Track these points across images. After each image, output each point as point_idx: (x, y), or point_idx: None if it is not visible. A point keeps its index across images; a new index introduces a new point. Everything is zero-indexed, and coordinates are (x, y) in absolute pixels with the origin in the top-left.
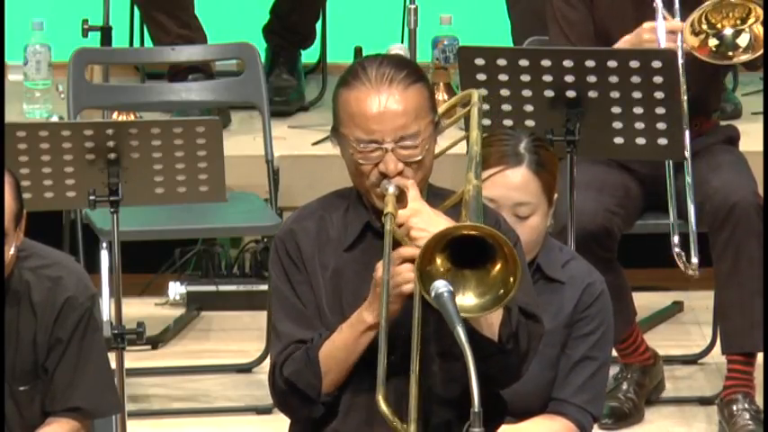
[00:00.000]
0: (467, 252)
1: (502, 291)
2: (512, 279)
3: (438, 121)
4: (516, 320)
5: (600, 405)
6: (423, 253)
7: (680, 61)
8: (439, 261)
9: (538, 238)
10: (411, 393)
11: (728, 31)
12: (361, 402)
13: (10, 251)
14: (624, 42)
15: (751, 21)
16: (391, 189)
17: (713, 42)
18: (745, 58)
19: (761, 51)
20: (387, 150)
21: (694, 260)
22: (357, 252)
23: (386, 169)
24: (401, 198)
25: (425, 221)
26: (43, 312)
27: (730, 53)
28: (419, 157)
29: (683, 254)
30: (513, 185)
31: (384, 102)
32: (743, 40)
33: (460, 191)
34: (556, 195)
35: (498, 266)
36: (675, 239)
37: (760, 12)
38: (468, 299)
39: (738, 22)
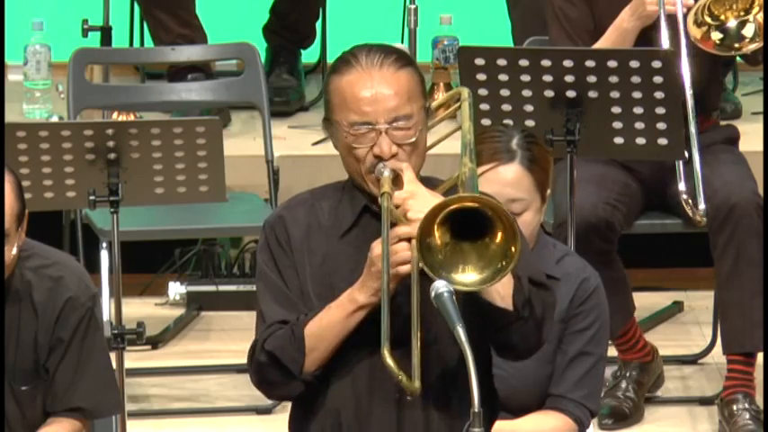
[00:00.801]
0: (464, 228)
1: (503, 262)
2: (512, 249)
3: (429, 108)
4: (528, 288)
5: (597, 400)
6: (423, 224)
7: (683, 50)
8: (438, 234)
9: (531, 234)
10: (414, 353)
11: (732, 23)
12: (360, 385)
13: (12, 251)
14: (626, 10)
15: (755, 11)
16: (386, 173)
17: (717, 36)
18: (753, 47)
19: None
20: (381, 132)
21: (702, 206)
22: (351, 237)
23: (380, 151)
24: (397, 181)
25: (422, 203)
26: (44, 312)
27: (736, 44)
28: (413, 139)
29: (690, 201)
30: (505, 182)
31: (376, 84)
32: (748, 31)
33: (455, 175)
34: (549, 191)
35: (498, 238)
36: (682, 186)
37: (762, 0)
38: (469, 274)
39: (742, 13)
